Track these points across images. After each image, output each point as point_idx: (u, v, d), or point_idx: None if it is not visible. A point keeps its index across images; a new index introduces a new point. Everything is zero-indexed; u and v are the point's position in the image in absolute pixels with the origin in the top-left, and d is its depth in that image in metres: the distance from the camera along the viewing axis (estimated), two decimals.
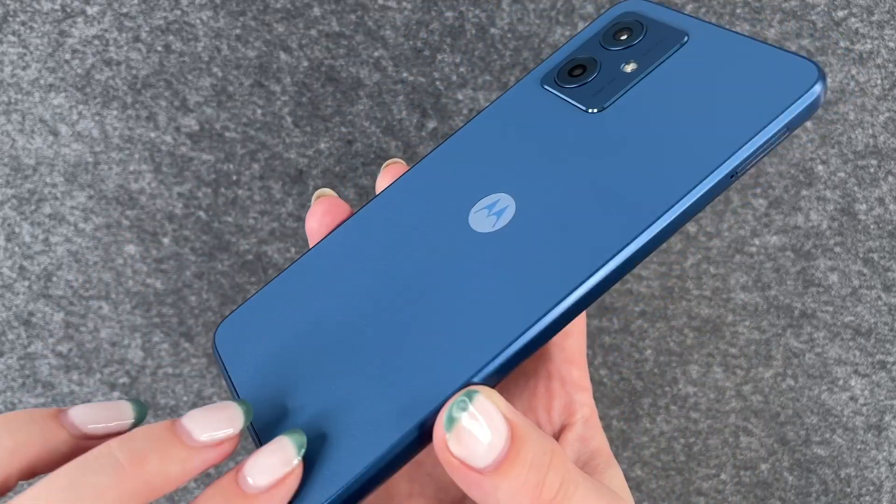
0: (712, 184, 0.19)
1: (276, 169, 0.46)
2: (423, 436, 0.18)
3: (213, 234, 0.48)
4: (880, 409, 0.52)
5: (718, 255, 0.48)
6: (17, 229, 0.47)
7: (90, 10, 0.43)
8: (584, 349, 0.24)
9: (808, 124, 0.46)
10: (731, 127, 0.19)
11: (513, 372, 0.21)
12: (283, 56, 0.44)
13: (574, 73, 0.24)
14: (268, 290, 0.24)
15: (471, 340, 0.19)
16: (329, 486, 0.18)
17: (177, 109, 0.45)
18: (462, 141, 0.24)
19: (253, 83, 0.45)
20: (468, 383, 0.18)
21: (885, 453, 0.53)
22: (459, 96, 0.45)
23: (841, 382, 0.51)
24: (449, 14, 0.43)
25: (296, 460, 0.17)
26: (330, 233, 0.24)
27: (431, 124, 0.46)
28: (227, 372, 0.22)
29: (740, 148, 0.19)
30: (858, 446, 0.53)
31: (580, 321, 0.24)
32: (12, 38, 0.43)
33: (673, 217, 0.19)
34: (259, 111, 0.45)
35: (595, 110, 0.22)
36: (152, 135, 0.45)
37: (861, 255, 0.48)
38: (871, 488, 0.54)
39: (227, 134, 0.45)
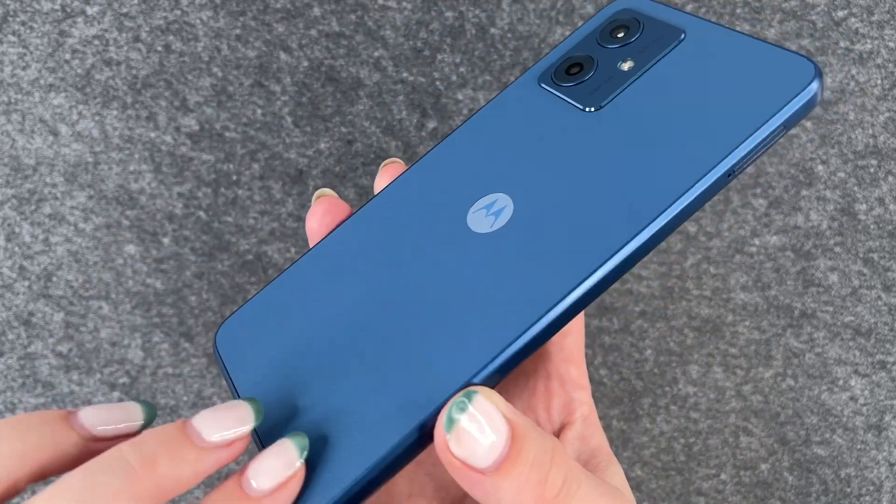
0: (710, 182, 0.19)
1: (276, 169, 0.46)
2: (424, 437, 0.18)
3: (213, 234, 0.48)
4: (880, 409, 0.52)
5: (718, 255, 0.48)
6: (17, 229, 0.47)
7: (90, 10, 0.43)
8: (583, 348, 0.24)
9: (808, 124, 0.46)
10: (729, 125, 0.19)
11: (513, 372, 0.21)
12: (283, 56, 0.44)
13: (571, 71, 0.24)
14: (268, 291, 0.24)
15: (471, 341, 0.19)
16: (331, 487, 0.18)
17: (177, 109, 0.45)
18: (460, 140, 0.24)
19: (253, 83, 0.45)
20: (468, 384, 0.18)
21: (885, 453, 0.53)
22: (459, 96, 0.45)
23: (841, 382, 0.51)
24: (449, 14, 0.43)
25: (298, 463, 0.18)
26: (329, 233, 0.24)
27: (431, 124, 0.46)
28: (228, 373, 0.22)
29: (738, 146, 0.19)
30: (858, 446, 0.53)
31: (578, 319, 0.24)
32: (12, 38, 0.43)
33: (672, 215, 0.19)
34: (259, 111, 0.45)
35: (592, 109, 0.22)
36: (152, 135, 0.45)
37: (861, 255, 0.48)
38: (871, 488, 0.54)
39: (227, 134, 0.46)
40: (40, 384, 0.51)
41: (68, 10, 0.43)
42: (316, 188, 0.47)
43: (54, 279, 0.48)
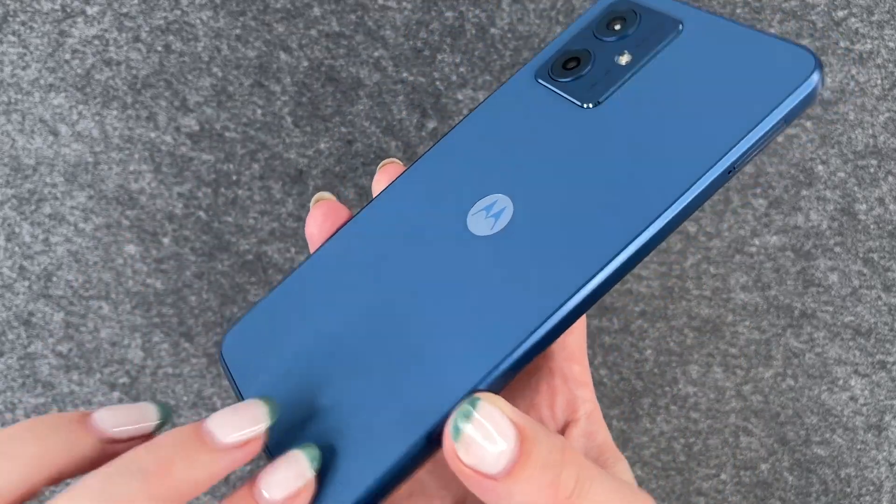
0: (711, 179, 0.19)
1: (276, 169, 0.46)
2: (432, 445, 0.18)
3: (213, 234, 0.48)
4: (880, 409, 0.52)
5: (718, 255, 0.48)
6: (17, 229, 0.47)
7: (90, 10, 0.43)
8: (585, 345, 0.24)
9: (808, 124, 0.46)
10: (729, 120, 0.19)
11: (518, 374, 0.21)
12: (283, 56, 0.44)
13: (568, 66, 0.23)
14: (272, 299, 0.23)
15: (476, 347, 0.19)
16: (341, 498, 0.18)
17: (177, 109, 0.45)
18: (458, 139, 0.24)
19: (253, 83, 0.45)
20: (475, 390, 0.18)
21: (885, 453, 0.53)
22: (459, 96, 0.45)
23: (841, 382, 0.51)
24: (449, 14, 0.43)
25: (310, 474, 0.18)
26: (329, 238, 0.24)
27: (431, 124, 0.46)
28: (234, 382, 0.22)
29: (738, 142, 0.19)
30: (858, 446, 0.53)
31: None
32: (12, 38, 0.43)
33: (675, 213, 0.19)
34: (259, 111, 0.45)
35: (590, 105, 0.22)
36: (152, 135, 0.45)
37: (861, 255, 0.48)
38: (871, 488, 0.54)
39: (227, 134, 0.45)
40: (40, 384, 0.51)
41: (68, 10, 0.43)
42: (316, 188, 0.47)
43: (54, 279, 0.48)
